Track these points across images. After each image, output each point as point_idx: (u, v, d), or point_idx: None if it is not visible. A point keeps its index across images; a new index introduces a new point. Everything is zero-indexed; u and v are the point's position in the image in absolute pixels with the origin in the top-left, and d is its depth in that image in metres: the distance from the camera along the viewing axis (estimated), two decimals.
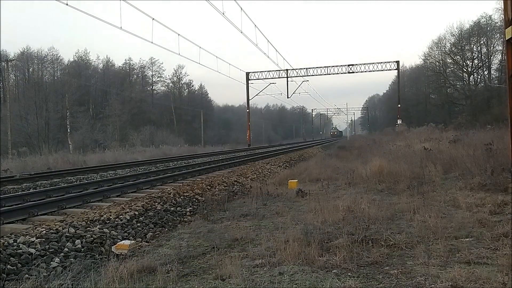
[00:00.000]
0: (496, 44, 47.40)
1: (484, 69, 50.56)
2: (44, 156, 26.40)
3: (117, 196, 10.25)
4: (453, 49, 51.76)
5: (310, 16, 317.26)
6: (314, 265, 4.46)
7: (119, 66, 78.31)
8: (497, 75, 48.61)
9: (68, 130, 53.60)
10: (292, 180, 12.19)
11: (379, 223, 6.27)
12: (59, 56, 68.27)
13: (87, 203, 9.19)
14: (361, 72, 46.63)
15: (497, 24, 44.64)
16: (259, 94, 52.08)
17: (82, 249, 5.93)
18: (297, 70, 48.91)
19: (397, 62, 46.82)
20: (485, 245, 4.98)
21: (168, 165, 19.69)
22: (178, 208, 9.11)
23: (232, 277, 4.18)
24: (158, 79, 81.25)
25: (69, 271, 4.83)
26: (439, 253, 4.72)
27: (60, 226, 6.52)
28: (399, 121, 45.74)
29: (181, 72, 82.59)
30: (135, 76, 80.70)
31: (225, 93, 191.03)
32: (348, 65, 46.86)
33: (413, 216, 6.63)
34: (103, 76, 72.07)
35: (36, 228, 6.46)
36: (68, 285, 4.39)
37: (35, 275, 4.84)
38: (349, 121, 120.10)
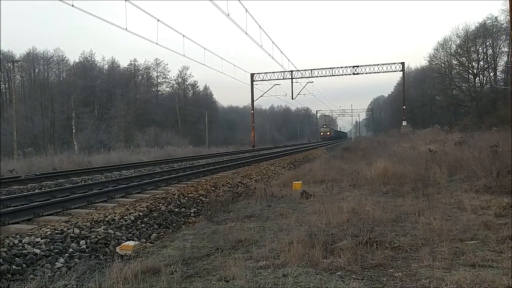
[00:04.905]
0: (502, 45, 47.21)
1: (490, 70, 50.32)
2: (49, 156, 26.53)
3: (121, 196, 10.28)
4: (458, 50, 51.56)
5: (314, 17, 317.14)
6: (318, 267, 4.45)
7: (124, 67, 78.63)
8: (503, 76, 48.43)
9: (74, 131, 53.85)
10: (296, 182, 12.17)
11: (384, 225, 6.25)
12: (65, 57, 68.77)
13: (92, 203, 9.22)
14: (366, 73, 46.61)
15: (503, 26, 44.40)
16: (264, 95, 52.14)
17: (87, 250, 5.95)
18: (301, 71, 48.93)
19: (402, 63, 46.73)
20: (490, 248, 4.96)
21: (173, 166, 19.71)
22: (183, 209, 9.13)
23: (236, 279, 4.18)
24: (163, 80, 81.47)
25: (73, 271, 4.84)
26: (444, 255, 4.70)
27: (65, 227, 6.55)
28: (404, 123, 45.61)
29: (186, 73, 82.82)
30: (140, 77, 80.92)
31: (229, 94, 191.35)
32: (353, 67, 46.84)
33: (418, 218, 6.60)
34: (108, 77, 72.28)
35: (41, 228, 6.50)
36: (72, 285, 4.41)
37: (40, 275, 4.87)
38: (354, 123, 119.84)
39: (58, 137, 50.58)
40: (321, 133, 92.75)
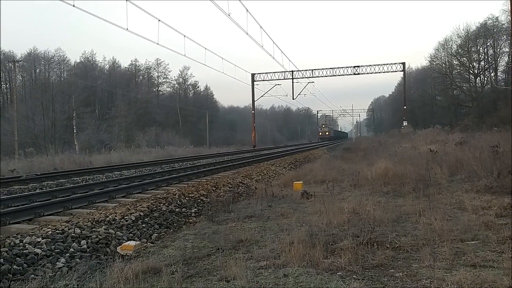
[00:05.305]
0: (502, 45, 47.27)
1: (491, 70, 50.32)
2: (50, 156, 26.56)
3: (122, 196, 10.28)
4: (459, 50, 51.55)
5: (315, 18, 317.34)
6: (319, 267, 4.45)
7: (125, 67, 78.75)
8: (504, 77, 48.39)
9: (74, 131, 53.91)
10: (297, 182, 12.16)
11: (385, 226, 6.25)
12: (66, 57, 68.82)
13: (93, 203, 9.22)
14: (367, 73, 46.68)
15: (503, 26, 44.42)
16: (265, 95, 52.18)
17: (88, 250, 5.95)
18: (302, 72, 48.96)
19: (403, 63, 46.75)
20: (491, 248, 4.95)
21: (174, 166, 19.72)
22: (183, 209, 9.13)
23: (237, 279, 4.18)
24: (164, 80, 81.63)
25: (74, 271, 4.85)
26: (444, 256, 4.70)
27: (66, 227, 6.55)
28: (405, 123, 45.63)
29: (186, 73, 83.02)
30: (141, 77, 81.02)
31: (230, 94, 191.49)
32: (354, 67, 46.89)
33: (419, 219, 6.61)
34: (109, 77, 72.34)
35: (42, 228, 6.50)
36: (73, 285, 4.41)
37: (41, 275, 4.87)
38: (355, 123, 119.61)
39: (59, 137, 50.64)
40: (320, 133, 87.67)
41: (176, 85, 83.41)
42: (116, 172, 16.96)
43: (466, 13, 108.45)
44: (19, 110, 42.13)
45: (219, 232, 6.57)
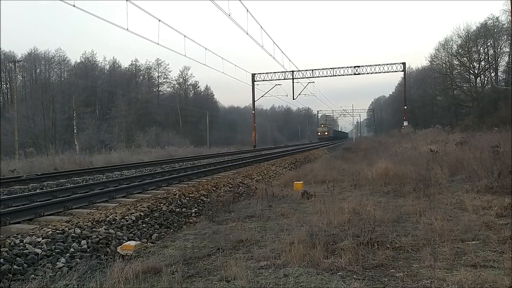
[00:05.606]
0: (503, 45, 47.24)
1: (491, 71, 50.28)
2: (50, 156, 26.53)
3: (122, 197, 10.28)
4: (459, 50, 51.51)
5: (315, 18, 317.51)
6: (319, 267, 4.45)
7: (126, 67, 78.78)
8: (504, 77, 48.37)
9: (75, 131, 53.95)
10: (297, 182, 12.16)
11: (385, 226, 6.25)
12: (66, 57, 68.95)
13: (93, 203, 9.22)
14: (367, 73, 46.64)
15: (504, 26, 44.41)
16: (265, 95, 52.19)
17: (88, 250, 5.95)
18: (302, 72, 48.93)
19: (403, 63, 46.75)
20: (492, 248, 4.95)
21: (174, 166, 19.71)
22: (184, 209, 9.12)
23: (237, 279, 4.17)
24: (164, 80, 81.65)
25: (74, 271, 4.84)
26: (445, 256, 4.69)
27: (66, 227, 6.55)
28: (405, 123, 45.62)
29: (187, 74, 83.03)
30: (141, 77, 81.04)
31: (230, 94, 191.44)
32: (354, 67, 46.88)
33: (419, 219, 6.60)
34: (110, 77, 72.37)
35: (42, 228, 6.49)
36: (73, 285, 4.41)
37: (41, 275, 4.87)
38: (355, 123, 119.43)
39: (60, 137, 50.68)
40: (319, 133, 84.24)
41: (177, 85, 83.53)
42: (116, 172, 16.95)
43: (466, 13, 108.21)
44: (20, 110, 42.16)
45: (219, 232, 6.57)
